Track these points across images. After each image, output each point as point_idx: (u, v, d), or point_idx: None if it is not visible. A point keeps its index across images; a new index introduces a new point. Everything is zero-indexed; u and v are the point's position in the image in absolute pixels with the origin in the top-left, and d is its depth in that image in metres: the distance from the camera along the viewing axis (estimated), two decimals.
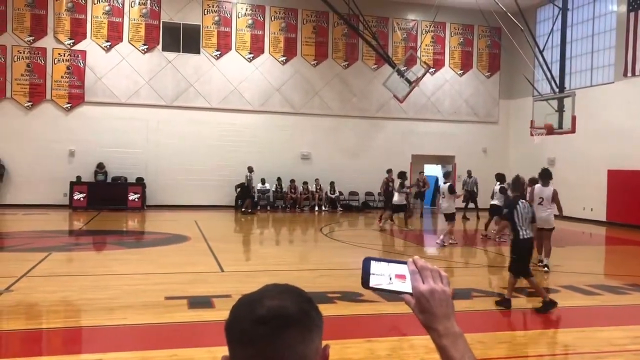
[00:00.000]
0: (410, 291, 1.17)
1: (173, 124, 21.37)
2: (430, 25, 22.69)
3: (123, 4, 21.05)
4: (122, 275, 8.94)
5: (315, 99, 22.89)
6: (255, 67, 22.26)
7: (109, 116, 20.77)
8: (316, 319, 1.10)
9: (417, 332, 5.10)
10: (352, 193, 23.16)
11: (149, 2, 21.26)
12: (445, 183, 13.76)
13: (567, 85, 18.86)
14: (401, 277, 1.18)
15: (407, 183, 16.59)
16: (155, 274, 9.17)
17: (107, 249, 12.40)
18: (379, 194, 20.14)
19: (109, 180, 20.66)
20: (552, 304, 7.03)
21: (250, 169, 20.47)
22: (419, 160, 23.70)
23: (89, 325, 6.32)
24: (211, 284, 8.34)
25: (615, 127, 18.84)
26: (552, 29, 18.74)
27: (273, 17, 22.52)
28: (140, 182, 20.71)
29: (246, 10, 22.22)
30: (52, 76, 20.39)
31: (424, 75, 19.28)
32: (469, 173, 19.85)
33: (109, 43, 20.91)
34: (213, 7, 21.89)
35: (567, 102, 16.22)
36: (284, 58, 22.59)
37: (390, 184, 18.28)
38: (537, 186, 10.54)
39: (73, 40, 20.57)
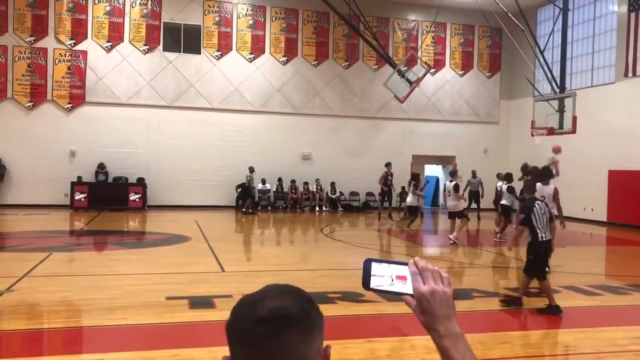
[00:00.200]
0: (411, 292, 1.17)
1: (174, 124, 21.39)
2: (430, 26, 22.68)
3: (124, 5, 21.06)
4: (123, 276, 8.94)
5: (316, 99, 22.90)
6: (256, 68, 22.27)
7: (109, 116, 20.78)
8: (317, 319, 1.11)
9: (417, 333, 5.10)
10: (353, 193, 23.16)
11: (149, 2, 21.28)
12: (451, 182, 13.75)
13: (567, 85, 18.87)
14: (402, 278, 1.18)
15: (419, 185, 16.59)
16: (156, 274, 9.17)
17: (108, 249, 12.41)
18: (379, 193, 20.07)
19: (109, 180, 20.68)
20: (558, 309, 6.98)
21: (251, 169, 20.47)
22: (419, 161, 23.70)
23: (89, 326, 6.32)
24: (212, 284, 8.35)
25: (616, 128, 18.83)
26: (553, 29, 18.75)
27: (274, 18, 22.53)
28: (141, 182, 20.72)
29: (247, 10, 22.23)
30: (53, 76, 20.41)
31: (424, 75, 19.28)
32: (474, 173, 19.79)
33: (109, 43, 20.92)
34: (214, 7, 21.90)
35: (568, 102, 16.22)
36: (284, 58, 22.60)
37: (389, 177, 18.25)
38: (538, 185, 10.52)
39: (74, 41, 20.58)
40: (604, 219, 19.33)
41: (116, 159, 20.77)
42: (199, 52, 21.75)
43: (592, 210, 19.72)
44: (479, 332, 6.10)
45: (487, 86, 24.87)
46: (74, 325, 6.30)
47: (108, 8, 20.91)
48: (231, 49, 22.06)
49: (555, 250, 7.84)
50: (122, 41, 21.06)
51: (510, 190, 13.77)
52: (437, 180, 24.59)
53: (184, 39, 21.64)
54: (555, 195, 10.22)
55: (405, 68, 19.61)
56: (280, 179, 22.20)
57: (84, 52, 20.67)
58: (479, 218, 19.38)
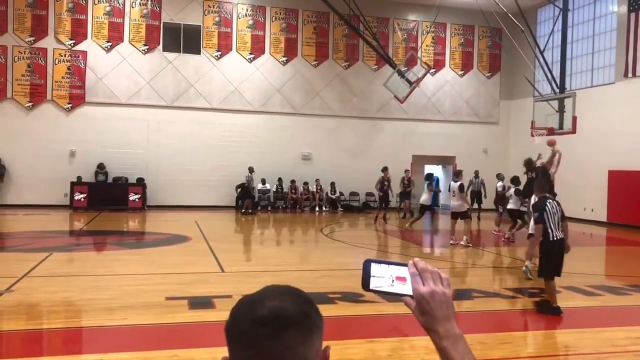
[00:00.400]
0: (411, 293, 1.17)
1: (174, 124, 21.39)
2: (430, 26, 22.68)
3: (124, 5, 21.07)
4: (122, 276, 8.93)
5: (316, 100, 22.90)
6: (256, 68, 22.27)
7: (109, 116, 20.79)
8: (317, 320, 1.11)
9: (417, 333, 5.09)
10: (353, 193, 23.17)
11: (149, 2, 21.28)
12: (456, 182, 13.71)
13: (567, 85, 18.85)
14: (402, 279, 1.18)
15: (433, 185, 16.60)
16: (156, 275, 9.17)
17: (107, 249, 12.40)
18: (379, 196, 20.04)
19: (109, 180, 20.69)
20: (557, 311, 6.97)
21: (251, 170, 20.47)
22: (419, 161, 23.70)
23: (89, 326, 6.32)
24: (212, 285, 8.34)
25: (616, 128, 18.83)
26: (553, 29, 18.73)
27: (274, 18, 22.53)
28: (140, 182, 20.72)
29: (247, 10, 22.24)
30: (52, 76, 20.41)
31: (424, 75, 19.28)
32: (476, 173, 19.79)
33: (109, 43, 20.93)
34: (214, 7, 21.91)
35: (568, 102, 16.21)
36: (284, 58, 22.61)
37: (386, 182, 18.25)
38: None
39: (74, 41, 20.58)
40: (604, 219, 19.33)
41: (116, 159, 20.77)
42: (198, 52, 21.76)
43: (592, 210, 19.72)
44: (479, 333, 6.10)
45: (487, 86, 24.87)
46: (74, 326, 6.30)
47: (108, 8, 20.91)
48: (231, 49, 22.07)
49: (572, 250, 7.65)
50: (122, 41, 21.06)
51: (518, 193, 13.75)
52: (437, 180, 24.54)
53: (183, 39, 21.65)
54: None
55: (405, 68, 19.61)
56: (280, 179, 22.20)
57: (84, 52, 20.68)
58: (479, 218, 19.38)
